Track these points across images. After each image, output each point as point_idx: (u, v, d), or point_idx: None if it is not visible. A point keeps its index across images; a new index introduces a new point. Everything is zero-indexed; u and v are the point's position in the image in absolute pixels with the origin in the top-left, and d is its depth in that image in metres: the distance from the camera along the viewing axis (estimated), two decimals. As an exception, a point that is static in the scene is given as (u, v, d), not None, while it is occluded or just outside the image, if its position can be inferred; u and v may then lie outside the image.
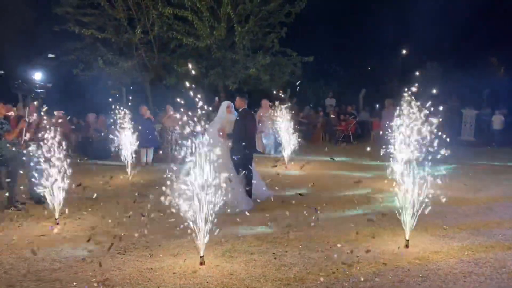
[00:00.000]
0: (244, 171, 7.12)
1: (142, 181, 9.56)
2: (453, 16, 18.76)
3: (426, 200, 5.25)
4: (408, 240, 5.31)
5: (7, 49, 19.06)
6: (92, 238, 5.72)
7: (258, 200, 7.49)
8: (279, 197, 7.89)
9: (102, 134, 11.01)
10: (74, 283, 4.31)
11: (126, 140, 9.98)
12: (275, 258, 4.96)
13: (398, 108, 5.62)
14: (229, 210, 6.68)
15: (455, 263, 4.79)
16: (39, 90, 6.71)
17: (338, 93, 20.64)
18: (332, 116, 17.42)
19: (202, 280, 4.39)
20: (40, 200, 7.10)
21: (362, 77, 20.02)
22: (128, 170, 10.01)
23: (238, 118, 7.32)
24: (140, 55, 16.42)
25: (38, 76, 6.79)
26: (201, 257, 4.77)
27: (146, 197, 7.13)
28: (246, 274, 4.53)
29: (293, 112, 12.75)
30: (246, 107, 7.43)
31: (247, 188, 7.21)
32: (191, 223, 4.75)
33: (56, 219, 6.38)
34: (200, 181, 4.72)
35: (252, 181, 7.47)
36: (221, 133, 7.24)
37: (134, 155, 10.39)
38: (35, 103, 6.88)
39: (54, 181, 6.10)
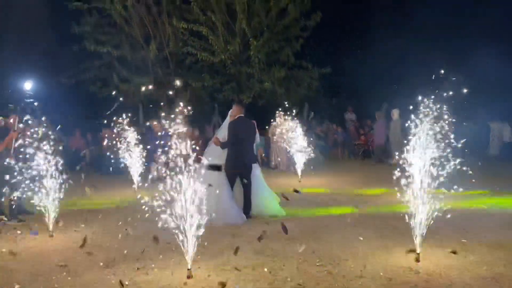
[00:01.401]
0: (243, 181, 6.84)
1: (147, 196, 9.35)
2: (480, 23, 18.12)
3: (440, 213, 4.79)
4: (418, 254, 4.82)
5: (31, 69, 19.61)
6: (83, 250, 5.50)
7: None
8: (289, 210, 7.54)
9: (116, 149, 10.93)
10: (50, 296, 4.04)
11: (134, 156, 9.86)
12: (269, 272, 4.56)
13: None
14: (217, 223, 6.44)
15: (471, 278, 4.28)
16: (29, 100, 6.59)
17: (359, 107, 20.07)
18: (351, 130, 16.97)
19: (186, 293, 4.05)
20: (25, 211, 7.08)
21: (384, 90, 19.37)
22: (135, 185, 9.81)
23: (229, 126, 7.06)
24: (156, 72, 16.48)
25: (28, 85, 6.67)
26: (188, 269, 4.42)
27: (146, 212, 6.87)
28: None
29: (307, 126, 12.39)
30: (243, 115, 7.14)
31: (245, 202, 6.91)
32: (180, 235, 4.44)
33: (50, 231, 6.18)
34: (187, 193, 4.45)
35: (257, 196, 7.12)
36: (214, 141, 7.07)
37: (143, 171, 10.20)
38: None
39: (46, 194, 5.96)
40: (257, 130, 7.43)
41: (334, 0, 18.52)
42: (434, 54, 19.25)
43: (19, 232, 6.47)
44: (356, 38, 20.16)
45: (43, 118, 8.07)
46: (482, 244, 5.40)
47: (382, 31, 18.21)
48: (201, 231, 4.49)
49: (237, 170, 6.92)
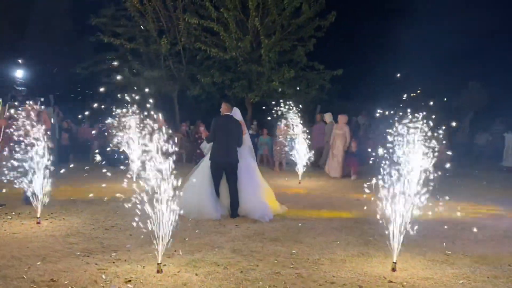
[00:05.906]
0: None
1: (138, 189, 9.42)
2: (499, 31, 17.64)
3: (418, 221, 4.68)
4: (395, 263, 4.70)
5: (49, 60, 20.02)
6: (65, 239, 5.58)
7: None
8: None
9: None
10: (16, 282, 4.08)
11: (134, 150, 9.99)
12: (241, 272, 4.52)
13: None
14: (191, 217, 6.55)
15: (443, 291, 4.16)
16: (19, 88, 6.69)
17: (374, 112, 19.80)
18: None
19: (150, 287, 4.04)
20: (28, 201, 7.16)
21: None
22: (133, 177, 9.88)
23: (212, 123, 7.10)
24: (168, 66, 16.57)
25: (19, 73, 6.77)
26: (158, 264, 4.43)
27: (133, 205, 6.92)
28: (201, 285, 4.13)
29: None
30: (230, 113, 7.13)
31: (231, 200, 6.93)
32: (152, 229, 4.46)
33: (38, 218, 6.27)
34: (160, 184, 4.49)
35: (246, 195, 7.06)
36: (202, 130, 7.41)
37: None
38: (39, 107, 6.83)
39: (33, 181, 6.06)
40: (245, 130, 7.36)
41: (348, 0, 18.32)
42: (452, 60, 18.84)
43: (9, 217, 6.60)
44: (372, 39, 19.88)
45: (53, 107, 8.18)
46: (466, 257, 5.24)
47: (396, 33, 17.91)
48: (174, 226, 4.50)
49: (219, 167, 6.94)
